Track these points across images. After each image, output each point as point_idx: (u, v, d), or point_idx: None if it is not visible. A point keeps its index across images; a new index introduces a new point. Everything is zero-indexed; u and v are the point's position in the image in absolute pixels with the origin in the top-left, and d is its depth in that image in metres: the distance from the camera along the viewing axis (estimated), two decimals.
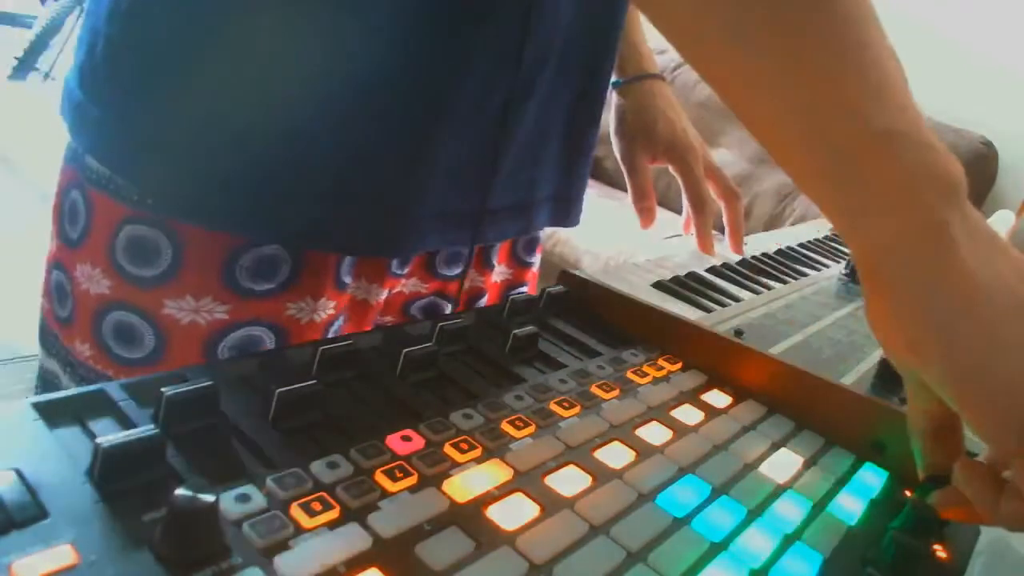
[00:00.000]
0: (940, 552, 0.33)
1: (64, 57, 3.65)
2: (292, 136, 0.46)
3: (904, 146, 0.30)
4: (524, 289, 0.70)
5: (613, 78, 0.69)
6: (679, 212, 0.75)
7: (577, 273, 0.53)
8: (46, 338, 0.55)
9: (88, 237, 0.49)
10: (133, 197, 0.47)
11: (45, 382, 0.56)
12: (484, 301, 0.66)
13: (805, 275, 0.76)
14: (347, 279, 0.54)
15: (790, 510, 0.33)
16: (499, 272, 0.67)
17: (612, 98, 0.70)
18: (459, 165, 0.51)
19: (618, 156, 0.71)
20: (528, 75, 0.51)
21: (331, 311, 0.54)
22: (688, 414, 0.40)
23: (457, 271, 0.61)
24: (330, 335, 0.54)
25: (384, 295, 0.58)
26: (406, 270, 0.59)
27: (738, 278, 0.70)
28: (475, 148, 0.52)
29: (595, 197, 1.86)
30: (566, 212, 0.65)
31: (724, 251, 0.74)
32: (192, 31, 0.44)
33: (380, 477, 0.29)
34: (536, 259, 0.71)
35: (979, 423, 0.31)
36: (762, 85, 0.32)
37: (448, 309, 0.63)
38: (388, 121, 0.47)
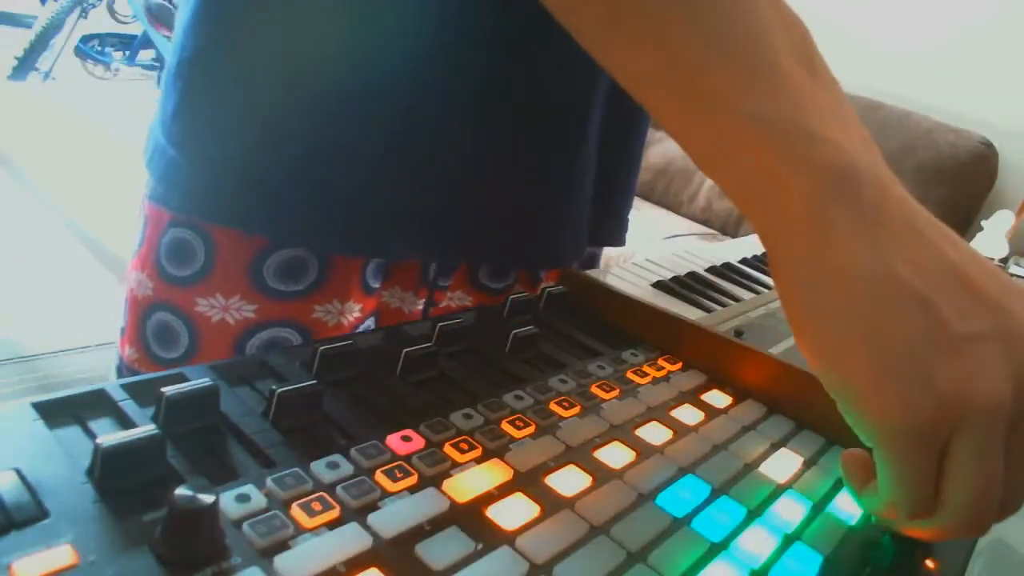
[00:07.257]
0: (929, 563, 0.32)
1: (64, 57, 3.65)
2: (302, 141, 0.47)
3: (772, 134, 0.29)
4: None
5: None
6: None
7: (577, 273, 0.53)
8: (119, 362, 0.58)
9: (142, 245, 0.53)
10: (174, 204, 0.50)
11: None
12: None
13: None
14: (375, 284, 0.54)
15: (790, 510, 0.33)
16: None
17: None
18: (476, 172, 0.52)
19: None
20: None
21: (357, 314, 0.54)
22: (688, 414, 0.40)
23: (503, 284, 0.61)
24: None
25: (420, 304, 0.58)
26: (448, 282, 0.58)
27: (738, 278, 0.70)
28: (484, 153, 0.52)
29: None
30: (602, 228, 0.63)
31: (724, 251, 0.74)
32: (232, 48, 0.47)
33: (380, 477, 0.29)
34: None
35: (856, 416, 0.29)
36: (641, 76, 0.32)
37: None
38: (388, 123, 0.48)
